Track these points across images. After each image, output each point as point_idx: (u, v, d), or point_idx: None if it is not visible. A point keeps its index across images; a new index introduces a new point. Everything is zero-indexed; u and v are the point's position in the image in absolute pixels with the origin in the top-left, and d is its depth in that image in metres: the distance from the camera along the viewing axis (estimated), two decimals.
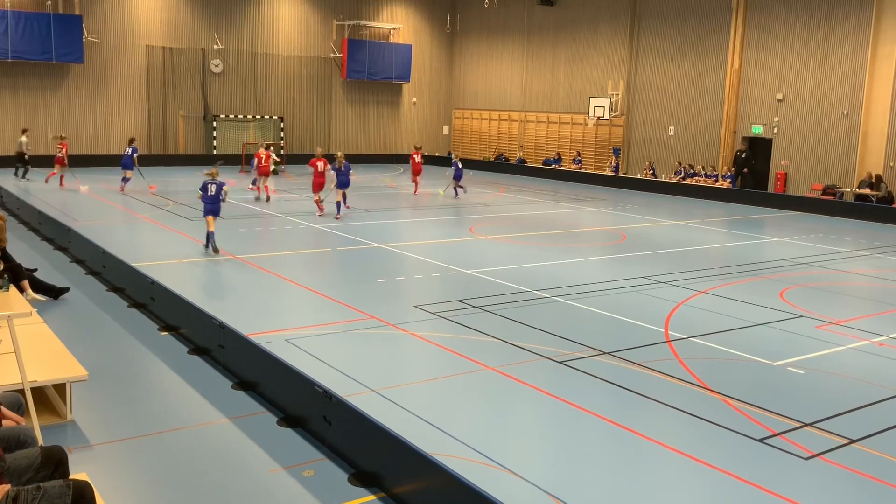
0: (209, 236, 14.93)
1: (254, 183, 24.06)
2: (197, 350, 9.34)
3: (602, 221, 21.65)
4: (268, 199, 22.93)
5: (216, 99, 34.10)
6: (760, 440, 7.26)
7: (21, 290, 10.58)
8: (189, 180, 26.42)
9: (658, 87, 30.94)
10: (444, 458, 6.00)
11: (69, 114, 31.23)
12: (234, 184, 26.73)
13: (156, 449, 6.79)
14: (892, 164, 24.43)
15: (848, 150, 25.25)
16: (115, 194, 23.10)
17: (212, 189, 14.78)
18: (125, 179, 23.98)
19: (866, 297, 13.74)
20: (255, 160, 23.41)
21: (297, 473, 6.42)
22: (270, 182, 23.97)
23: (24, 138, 26.22)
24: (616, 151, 32.78)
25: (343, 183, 19.97)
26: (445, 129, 40.90)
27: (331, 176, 20.18)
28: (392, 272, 14.10)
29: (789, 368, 9.35)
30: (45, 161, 28.69)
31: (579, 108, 33.81)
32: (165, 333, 10.03)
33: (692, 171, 29.40)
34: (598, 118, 32.26)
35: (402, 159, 36.17)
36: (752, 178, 27.99)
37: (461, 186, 25.59)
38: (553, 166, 34.47)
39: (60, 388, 7.28)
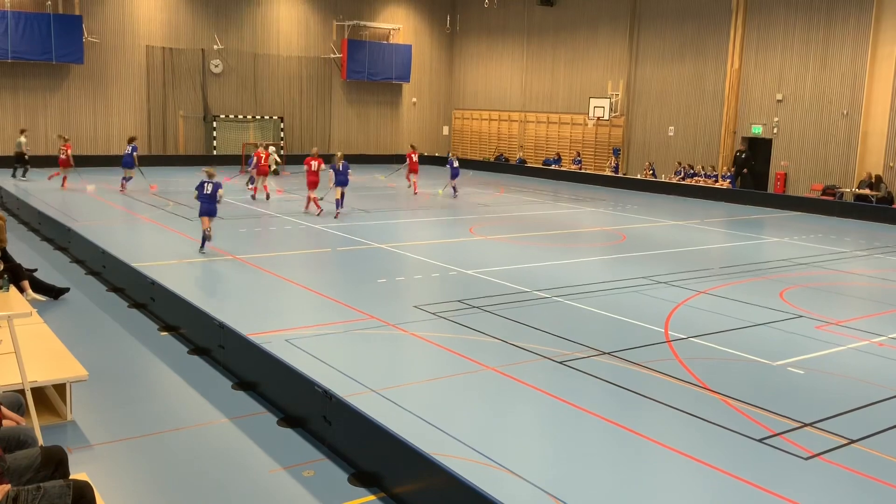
0: (204, 234, 14.93)
1: (250, 182, 24.16)
2: (197, 350, 9.34)
3: (602, 222, 21.65)
4: (267, 196, 23.03)
5: (216, 99, 34.10)
6: (760, 440, 7.26)
7: (21, 290, 10.58)
8: (189, 181, 26.39)
9: (658, 87, 30.95)
10: (444, 459, 6.00)
11: (69, 114, 31.23)
12: (229, 180, 26.82)
13: (156, 449, 6.80)
14: (891, 164, 24.43)
15: (848, 151, 25.25)
16: (115, 194, 23.11)
17: (208, 188, 14.75)
18: (127, 179, 24.03)
19: (866, 297, 13.74)
20: (255, 159, 23.45)
21: (297, 473, 6.42)
22: (271, 182, 24.05)
23: (22, 138, 26.24)
24: (616, 152, 32.78)
25: (341, 182, 20.32)
26: (445, 130, 40.90)
27: (329, 175, 20.53)
28: (392, 272, 14.10)
29: (789, 368, 9.35)
30: (45, 161, 28.78)
31: (579, 109, 33.82)
32: (165, 333, 10.03)
33: (692, 172, 29.41)
34: (598, 118, 32.27)
35: (402, 160, 36.17)
36: (751, 178, 28.00)
37: (453, 187, 25.83)
38: (553, 166, 34.47)
39: (60, 388, 7.28)
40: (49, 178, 24.76)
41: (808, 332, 10.90)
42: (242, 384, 8.29)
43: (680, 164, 29.90)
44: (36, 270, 11.85)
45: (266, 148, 24.70)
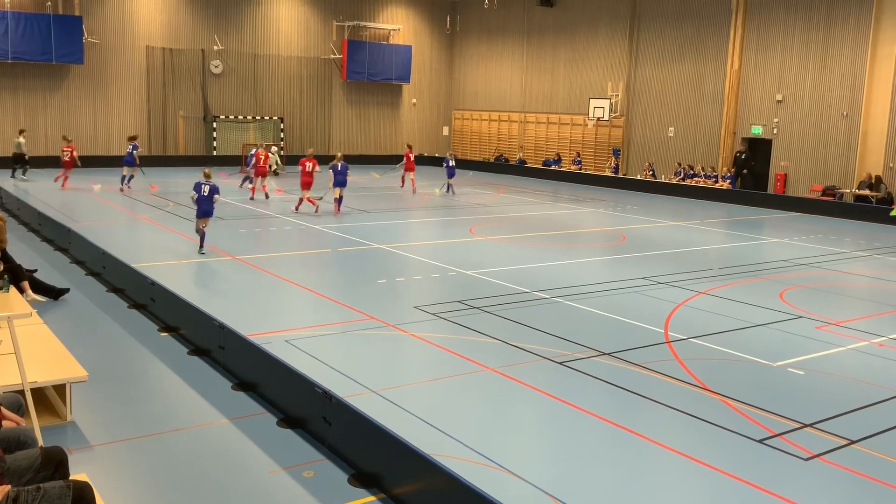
0: (203, 235, 14.97)
1: (248, 181, 24.28)
2: (197, 351, 9.34)
3: (602, 222, 21.65)
4: (266, 196, 23.14)
5: (216, 100, 34.11)
6: (760, 441, 7.26)
7: (21, 290, 10.58)
8: (189, 181, 26.39)
9: (658, 88, 30.96)
10: (444, 459, 6.00)
11: (69, 115, 31.24)
12: (225, 176, 26.89)
13: (156, 450, 6.80)
14: (891, 164, 24.43)
15: (847, 151, 25.25)
16: (115, 195, 23.10)
17: (205, 190, 14.80)
18: (129, 178, 24.12)
19: (866, 297, 13.74)
20: (254, 160, 23.53)
21: (297, 474, 6.42)
22: (271, 182, 24.18)
23: (21, 139, 26.26)
24: (616, 152, 32.78)
25: (340, 182, 20.64)
26: (445, 130, 40.91)
27: (329, 175, 20.79)
28: (392, 273, 14.10)
29: (789, 369, 9.35)
30: (44, 161, 28.83)
31: (579, 109, 33.82)
32: (165, 334, 10.03)
33: (692, 172, 29.41)
34: (598, 119, 32.27)
35: (402, 160, 36.22)
36: (751, 178, 27.99)
37: (449, 185, 26.12)
38: (553, 167, 34.48)
39: (60, 388, 7.28)
40: (55, 180, 24.80)
41: (808, 333, 10.90)
42: (242, 385, 8.29)
43: (680, 164, 29.90)
44: (36, 271, 11.85)
45: (267, 149, 24.77)
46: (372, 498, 6.06)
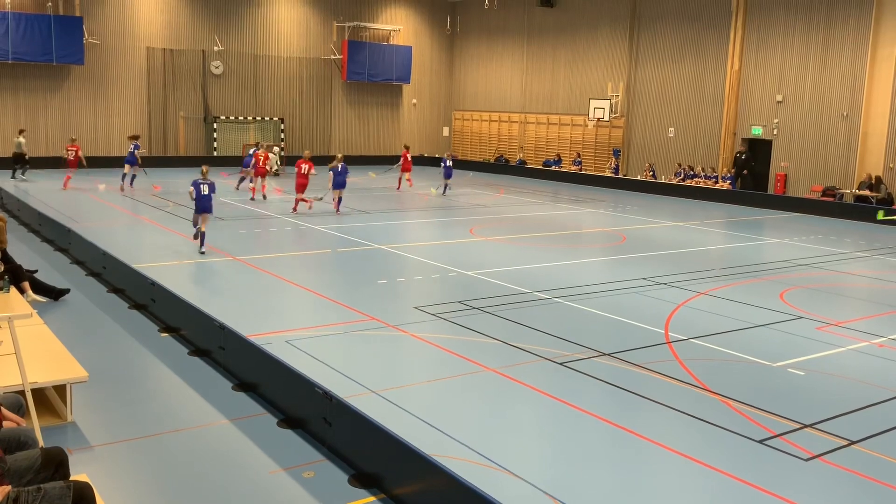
0: (202, 236, 15.03)
1: (249, 181, 24.36)
2: (197, 351, 9.34)
3: (602, 223, 21.66)
4: (264, 197, 23.20)
5: (216, 100, 34.11)
6: (760, 441, 7.26)
7: (21, 291, 10.58)
8: (190, 182, 26.46)
9: (658, 88, 30.96)
10: (444, 460, 6.00)
11: (70, 115, 31.24)
12: (226, 175, 26.99)
13: (156, 450, 6.80)
14: (891, 165, 24.43)
15: (848, 152, 25.25)
16: (115, 195, 23.11)
17: (204, 189, 14.92)
18: (132, 177, 24.18)
19: (866, 298, 13.74)
20: (253, 160, 23.61)
21: (297, 475, 6.42)
22: (271, 182, 24.29)
23: (21, 139, 26.29)
24: (616, 153, 32.78)
25: (340, 183, 20.73)
26: (446, 131, 40.91)
27: (329, 176, 20.87)
28: (392, 273, 14.11)
29: (789, 370, 9.35)
30: (45, 162, 28.86)
31: (579, 110, 33.83)
32: (166, 335, 10.04)
33: (692, 173, 29.41)
34: (598, 120, 32.27)
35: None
36: (751, 179, 27.99)
37: (445, 185, 26.35)
38: (553, 168, 34.48)
39: (61, 389, 7.28)
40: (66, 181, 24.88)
41: (809, 334, 10.90)
42: (243, 385, 8.29)
43: (680, 165, 29.90)
44: (36, 271, 11.85)
45: (269, 149, 24.87)
46: (372, 498, 6.07)
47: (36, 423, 6.11)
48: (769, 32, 26.99)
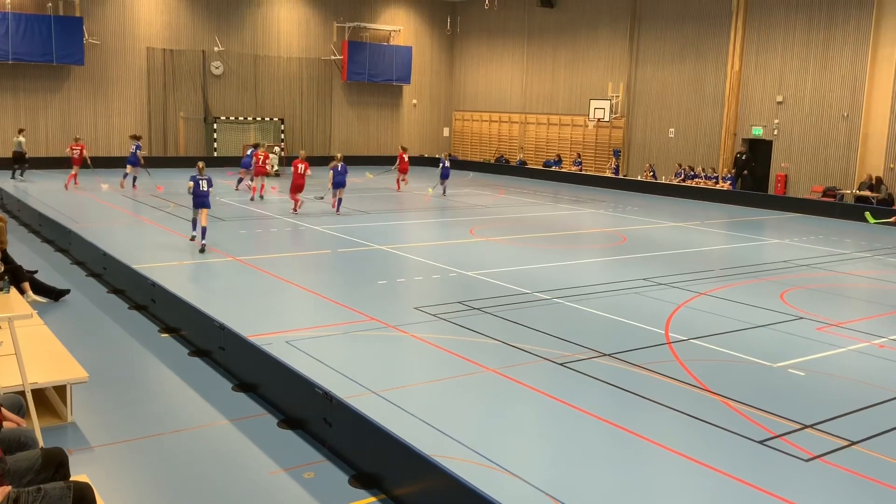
0: (203, 231, 15.22)
1: (240, 182, 24.43)
2: (197, 352, 9.34)
3: (602, 223, 21.65)
4: (261, 197, 23.25)
5: (217, 101, 34.12)
6: (761, 442, 7.26)
7: (22, 291, 10.58)
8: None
9: (658, 89, 30.96)
10: (445, 460, 6.00)
11: (70, 116, 31.26)
12: (231, 174, 27.08)
13: (156, 451, 6.80)
14: (892, 165, 24.43)
15: (848, 153, 25.25)
16: (116, 196, 23.11)
17: (203, 184, 15.15)
18: (133, 178, 24.24)
19: (866, 298, 13.74)
20: (254, 159, 23.67)
21: (297, 475, 6.42)
22: (268, 182, 24.39)
23: (21, 138, 26.31)
24: (616, 153, 32.79)
25: (339, 183, 20.80)
26: (446, 131, 40.92)
27: (329, 176, 20.96)
28: (392, 274, 14.11)
29: (790, 370, 9.35)
30: (45, 162, 28.89)
31: (579, 110, 33.83)
32: (166, 335, 10.04)
33: (692, 173, 29.41)
34: (599, 120, 32.27)
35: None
36: (752, 180, 27.99)
37: (443, 186, 26.46)
38: (553, 168, 34.48)
39: (61, 389, 7.28)
40: (73, 180, 24.92)
41: (809, 334, 10.90)
42: (243, 386, 8.29)
43: (680, 165, 29.90)
44: (36, 272, 11.85)
45: (269, 149, 24.96)
46: (372, 499, 6.07)
47: (36, 424, 6.11)
48: (769, 33, 26.99)
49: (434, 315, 11.20)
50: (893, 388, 8.86)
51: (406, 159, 27.05)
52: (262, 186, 23.62)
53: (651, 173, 30.79)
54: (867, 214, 22.72)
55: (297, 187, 20.61)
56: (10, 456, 5.00)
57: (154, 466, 6.52)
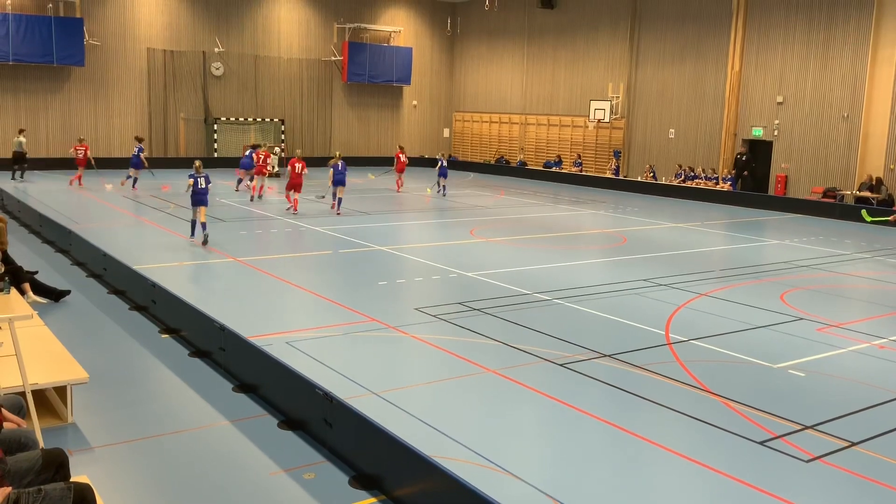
0: (203, 226, 15.46)
1: (249, 180, 24.46)
2: (198, 353, 9.34)
3: (602, 224, 21.65)
4: (260, 196, 23.32)
5: (217, 102, 34.13)
6: (761, 443, 7.26)
7: (22, 292, 10.59)
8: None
9: (658, 89, 30.97)
10: (445, 461, 6.00)
11: (70, 117, 31.27)
12: (239, 174, 27.22)
13: (156, 451, 6.80)
14: (892, 166, 24.43)
15: (848, 153, 25.25)
16: (116, 196, 23.13)
17: (201, 182, 15.40)
18: (134, 179, 24.31)
19: (867, 299, 13.74)
20: (255, 157, 23.73)
21: (297, 476, 6.42)
22: (267, 182, 24.51)
23: (21, 138, 26.33)
24: (616, 154, 32.79)
25: (339, 181, 20.91)
26: (446, 132, 40.93)
27: (329, 174, 21.08)
28: (392, 275, 14.11)
29: (790, 371, 9.35)
30: (45, 163, 28.90)
31: (580, 111, 33.84)
32: (166, 336, 10.04)
33: (692, 174, 29.40)
34: (599, 121, 32.28)
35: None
36: (752, 180, 27.99)
37: (442, 185, 26.53)
38: (553, 169, 34.48)
39: (61, 390, 7.28)
40: (75, 181, 24.97)
41: (809, 335, 10.90)
42: (243, 386, 8.29)
43: (680, 166, 29.90)
44: (37, 273, 11.86)
45: (270, 149, 25.05)
46: (373, 500, 6.07)
47: (36, 425, 6.11)
48: (770, 33, 26.99)
49: (434, 316, 11.20)
50: (894, 388, 8.86)
51: (402, 159, 27.07)
52: (262, 186, 23.66)
53: (651, 174, 30.79)
54: (863, 213, 22.72)
55: (294, 186, 20.67)
56: (10, 457, 5.01)
57: (154, 467, 6.52)
